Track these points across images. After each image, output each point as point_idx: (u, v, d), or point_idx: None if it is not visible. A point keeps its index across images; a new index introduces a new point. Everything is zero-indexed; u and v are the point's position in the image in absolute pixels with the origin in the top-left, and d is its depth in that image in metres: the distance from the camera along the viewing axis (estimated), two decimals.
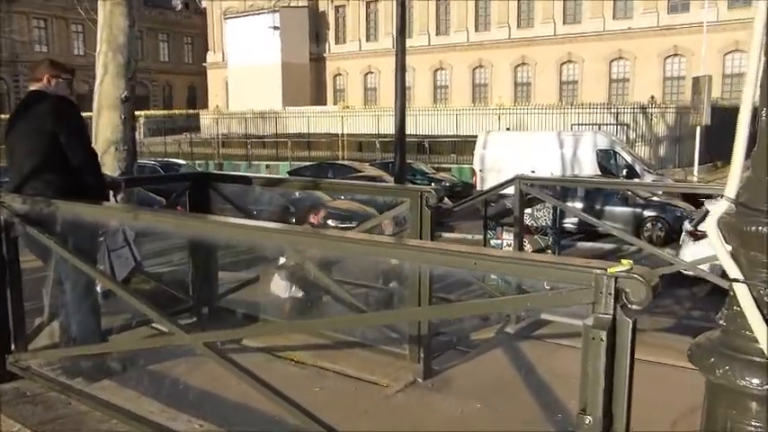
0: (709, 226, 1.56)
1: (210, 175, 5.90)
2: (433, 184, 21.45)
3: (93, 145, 7.03)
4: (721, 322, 1.60)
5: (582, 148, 19.28)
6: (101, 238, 4.04)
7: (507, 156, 18.80)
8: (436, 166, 26.61)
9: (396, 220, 4.25)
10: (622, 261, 1.76)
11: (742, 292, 1.50)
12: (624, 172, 19.13)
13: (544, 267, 1.82)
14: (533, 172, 18.29)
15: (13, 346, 3.93)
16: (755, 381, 1.50)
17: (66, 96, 3.98)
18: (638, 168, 19.39)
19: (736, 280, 1.52)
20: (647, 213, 14.72)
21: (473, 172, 21.21)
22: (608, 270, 1.70)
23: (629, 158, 19.79)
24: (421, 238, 3.80)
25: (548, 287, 2.52)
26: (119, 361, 3.84)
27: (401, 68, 9.78)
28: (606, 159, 19.49)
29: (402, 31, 9.79)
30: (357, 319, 3.30)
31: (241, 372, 2.61)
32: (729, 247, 1.54)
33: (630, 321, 1.69)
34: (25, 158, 3.86)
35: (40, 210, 3.51)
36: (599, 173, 18.51)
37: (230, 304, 5.15)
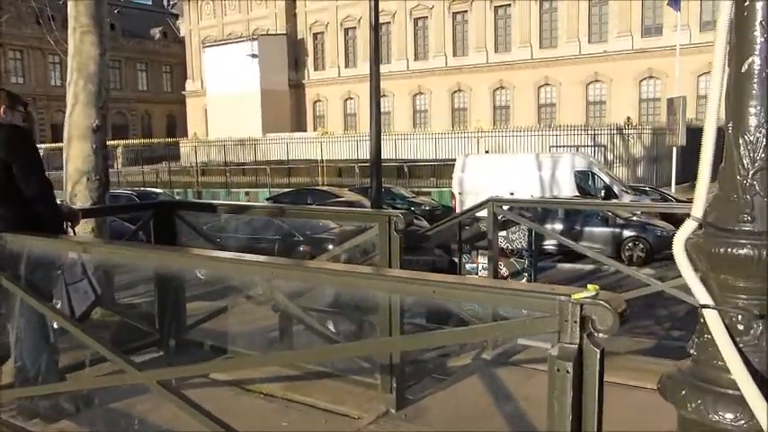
0: (676, 248, 1.46)
1: (175, 203, 5.74)
2: (412, 207, 21.44)
3: (64, 175, 6.93)
4: (692, 351, 1.49)
5: (560, 169, 19.38)
6: (58, 272, 3.87)
7: (486, 178, 18.85)
8: (416, 189, 26.62)
9: (364, 246, 4.13)
10: (588, 286, 1.66)
11: (712, 319, 1.39)
12: (602, 193, 19.22)
13: (505, 294, 1.71)
14: (512, 194, 18.30)
15: None
16: (729, 416, 1.38)
17: (20, 125, 3.84)
18: (615, 189, 19.49)
19: (705, 306, 1.41)
20: (627, 233, 14.72)
21: (452, 195, 21.21)
22: (572, 296, 1.59)
23: (606, 179, 19.89)
24: (390, 264, 3.68)
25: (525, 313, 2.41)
26: (71, 401, 3.65)
27: (376, 94, 9.75)
28: (584, 180, 19.59)
29: (376, 57, 9.78)
30: (324, 351, 3.17)
31: (197, 411, 2.45)
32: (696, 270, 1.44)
33: (598, 351, 1.58)
34: None
35: None
36: (577, 194, 18.58)
37: (199, 336, 4.99)
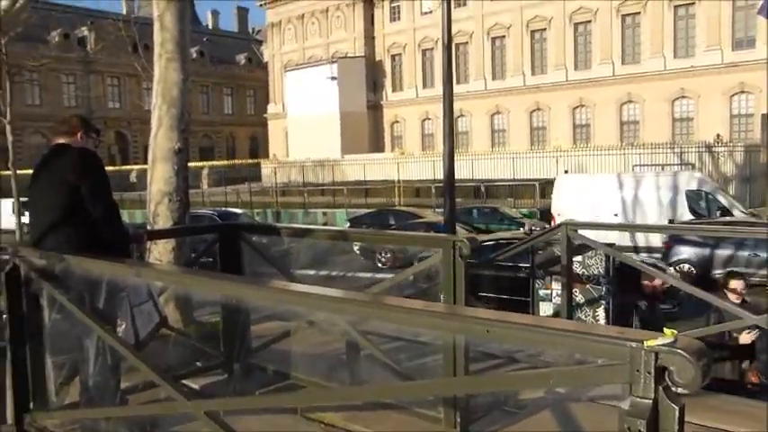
0: None
1: (240, 226, 5.75)
2: (522, 228, 20.55)
3: (147, 195, 7.13)
4: None
5: (667, 189, 17.76)
6: (123, 293, 3.90)
7: (586, 199, 17.67)
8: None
9: (429, 273, 3.95)
10: (665, 330, 1.43)
11: None
12: (718, 214, 17.23)
13: (567, 337, 1.50)
14: (616, 216, 17.20)
15: (32, 405, 3.81)
16: None
17: (89, 148, 3.91)
18: (734, 211, 17.47)
19: None
20: None
21: (551, 217, 19.72)
22: (645, 343, 1.37)
23: (723, 200, 18.04)
24: (454, 291, 3.50)
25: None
26: (127, 426, 3.63)
27: (449, 114, 9.60)
28: (696, 201, 17.82)
29: (449, 77, 9.63)
30: (384, 390, 3.01)
31: None
32: None
33: (677, 408, 1.35)
34: (45, 211, 3.79)
35: (53, 264, 3.40)
36: (692, 217, 17.00)
37: (262, 359, 4.93)
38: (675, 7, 36.93)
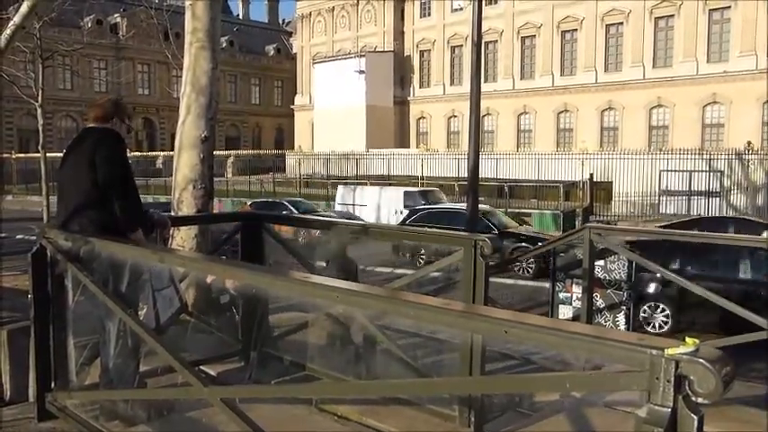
0: None
1: (262, 216, 5.78)
2: None
3: (173, 182, 7.19)
4: None
5: None
6: (145, 277, 3.94)
7: None
8: (516, 211, 25.94)
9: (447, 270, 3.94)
10: (687, 339, 1.41)
11: None
12: None
13: (586, 341, 1.49)
14: None
15: (53, 384, 3.87)
16: None
17: (114, 130, 3.91)
18: None
19: None
20: None
21: None
22: (666, 351, 1.35)
23: None
24: (474, 290, 3.49)
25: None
26: (144, 408, 3.67)
27: (476, 111, 9.55)
28: None
29: (477, 74, 9.58)
30: (399, 386, 3.01)
31: None
32: None
33: (696, 418, 1.34)
34: (71, 194, 3.84)
35: (79, 247, 3.45)
36: None
37: (279, 349, 4.96)
38: (710, 11, 36.29)
